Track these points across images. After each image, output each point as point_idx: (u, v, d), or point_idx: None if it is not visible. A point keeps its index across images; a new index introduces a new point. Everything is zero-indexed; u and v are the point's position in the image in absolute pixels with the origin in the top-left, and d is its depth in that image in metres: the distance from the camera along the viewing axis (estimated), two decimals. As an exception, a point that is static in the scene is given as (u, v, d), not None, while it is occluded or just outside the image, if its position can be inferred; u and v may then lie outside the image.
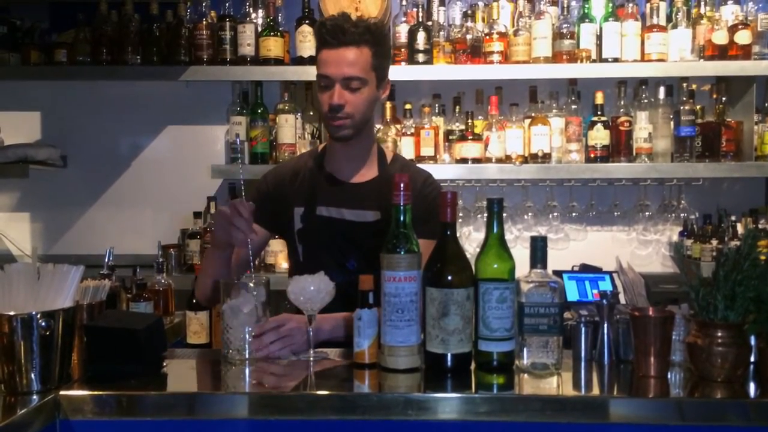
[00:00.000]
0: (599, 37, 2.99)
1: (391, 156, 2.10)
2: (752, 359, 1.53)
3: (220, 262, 1.89)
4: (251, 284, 1.67)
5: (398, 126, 3.06)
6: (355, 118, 1.89)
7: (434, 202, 1.93)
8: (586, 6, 3.01)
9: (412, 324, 1.52)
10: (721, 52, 2.94)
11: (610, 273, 3.02)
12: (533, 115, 3.03)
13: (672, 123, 2.99)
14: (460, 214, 3.17)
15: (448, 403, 1.41)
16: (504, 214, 1.64)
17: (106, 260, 2.52)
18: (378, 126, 3.07)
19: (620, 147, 2.99)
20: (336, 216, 1.97)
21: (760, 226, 2.98)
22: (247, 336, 1.64)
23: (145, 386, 1.48)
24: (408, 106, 3.07)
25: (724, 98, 3.07)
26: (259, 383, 1.59)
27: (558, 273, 2.94)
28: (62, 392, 1.43)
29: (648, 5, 3.00)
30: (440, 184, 2.08)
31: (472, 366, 1.56)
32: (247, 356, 1.64)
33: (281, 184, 2.04)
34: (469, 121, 2.98)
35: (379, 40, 1.91)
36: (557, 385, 1.52)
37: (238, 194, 3.17)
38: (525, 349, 1.55)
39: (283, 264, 3.08)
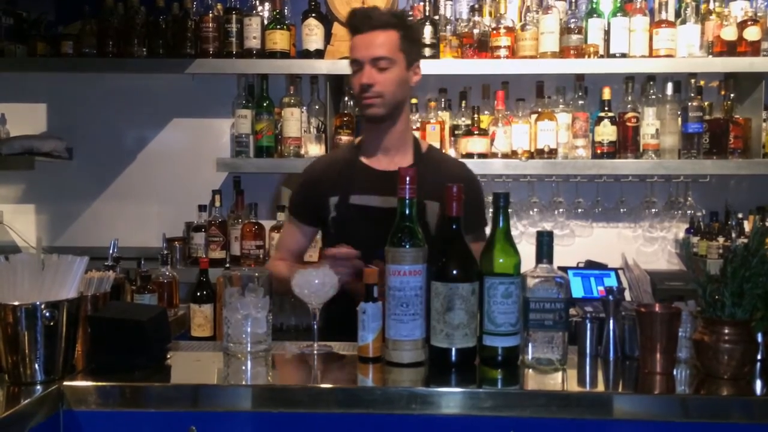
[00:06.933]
0: (607, 33, 2.97)
1: (426, 146, 2.14)
2: (759, 357, 1.52)
3: None
4: (254, 277, 1.67)
5: (404, 120, 3.04)
6: (386, 98, 1.96)
7: (477, 198, 2.08)
8: (594, 1, 2.99)
9: (416, 318, 1.52)
10: (730, 49, 2.92)
11: (615, 270, 3.01)
12: (540, 110, 3.02)
13: (679, 119, 2.97)
14: (466, 209, 3.15)
15: (452, 398, 1.41)
16: (509, 210, 1.63)
17: (111, 252, 2.52)
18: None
19: (627, 143, 2.97)
20: (369, 204, 2.00)
21: (767, 224, 2.96)
22: (248, 328, 1.63)
23: (149, 378, 1.49)
24: (414, 101, 3.05)
25: (732, 95, 3.04)
26: (263, 376, 1.59)
27: (563, 269, 2.92)
28: (66, 383, 1.43)
29: (656, 0, 2.98)
30: (476, 177, 2.21)
31: (477, 361, 1.56)
32: (248, 349, 1.63)
33: (318, 177, 2.10)
34: (475, 116, 2.97)
35: (406, 24, 2.03)
36: (562, 380, 1.52)
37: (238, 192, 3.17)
38: (530, 345, 1.54)
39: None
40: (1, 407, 1.30)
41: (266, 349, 1.65)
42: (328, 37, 3.05)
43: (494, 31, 2.98)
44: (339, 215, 2.02)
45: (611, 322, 1.62)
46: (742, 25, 2.92)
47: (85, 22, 3.11)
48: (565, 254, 3.14)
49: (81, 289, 1.54)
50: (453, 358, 1.52)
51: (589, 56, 2.93)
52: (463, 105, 3.11)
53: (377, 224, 1.94)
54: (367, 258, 1.79)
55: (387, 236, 1.94)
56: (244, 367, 1.60)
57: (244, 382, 1.54)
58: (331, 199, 2.04)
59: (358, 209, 2.01)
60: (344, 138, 2.99)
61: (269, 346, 1.67)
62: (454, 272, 1.52)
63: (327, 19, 3.06)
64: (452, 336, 1.51)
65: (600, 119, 2.97)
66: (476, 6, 3.07)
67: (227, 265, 3.04)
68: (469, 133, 2.98)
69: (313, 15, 3.03)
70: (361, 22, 1.97)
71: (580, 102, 3.05)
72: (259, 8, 3.08)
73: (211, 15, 3.04)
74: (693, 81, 2.99)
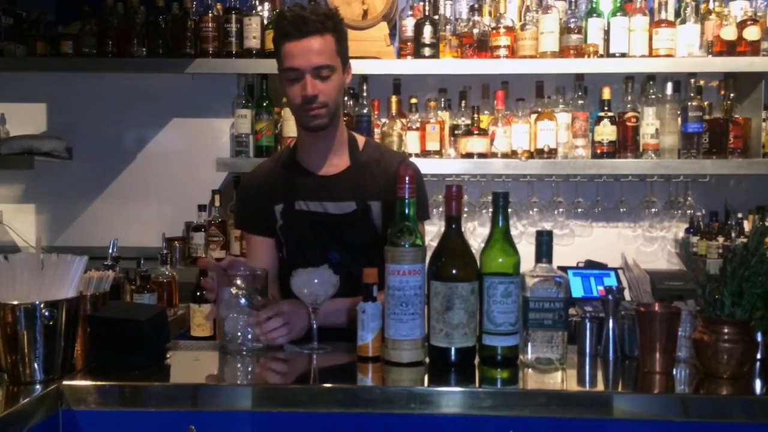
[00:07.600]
0: (607, 32, 2.97)
1: (363, 142, 2.08)
2: (759, 356, 1.52)
3: None
4: (251, 275, 1.67)
5: (404, 120, 3.05)
6: (330, 106, 1.89)
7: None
8: (594, 1, 2.99)
9: (416, 318, 1.52)
10: (730, 48, 2.92)
11: (615, 269, 3.01)
12: (539, 110, 3.02)
13: (679, 119, 2.97)
14: (465, 209, 3.16)
15: (451, 398, 1.41)
16: (509, 210, 1.63)
17: (110, 251, 2.52)
18: (384, 120, 3.06)
19: (627, 143, 2.97)
20: (313, 209, 1.97)
21: (767, 223, 2.96)
22: (247, 327, 1.63)
23: (148, 377, 1.49)
24: (414, 101, 3.06)
25: (732, 94, 3.04)
26: (262, 376, 1.59)
27: (563, 269, 2.92)
28: (65, 382, 1.43)
29: (656, 0, 2.98)
30: (417, 166, 2.03)
31: (476, 360, 1.56)
32: (245, 347, 1.63)
33: (260, 187, 2.04)
34: (475, 115, 2.97)
35: (339, 25, 1.91)
36: (561, 380, 1.51)
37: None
38: (529, 344, 1.54)
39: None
40: (0, 407, 1.30)
41: (265, 349, 1.65)
42: (327, 36, 3.04)
43: (494, 31, 2.98)
44: (286, 223, 1.98)
45: (611, 321, 1.62)
46: (741, 25, 2.92)
47: (84, 22, 3.11)
48: (565, 254, 3.14)
49: (80, 289, 1.53)
50: (452, 357, 1.52)
51: (588, 56, 2.93)
52: (463, 105, 3.10)
53: (324, 228, 1.95)
54: (318, 263, 1.75)
55: (334, 240, 1.94)
56: (243, 367, 1.60)
57: (243, 382, 1.54)
58: (276, 207, 1.99)
59: (303, 215, 1.96)
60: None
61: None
62: (454, 272, 1.52)
63: (327, 19, 3.05)
64: (452, 335, 1.51)
65: (600, 119, 2.97)
66: (476, 6, 3.07)
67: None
68: (469, 133, 2.98)
69: (313, 15, 3.02)
70: (294, 26, 1.82)
71: (580, 102, 3.05)
72: (259, 8, 3.08)
73: (210, 15, 3.04)
74: (693, 81, 2.98)
